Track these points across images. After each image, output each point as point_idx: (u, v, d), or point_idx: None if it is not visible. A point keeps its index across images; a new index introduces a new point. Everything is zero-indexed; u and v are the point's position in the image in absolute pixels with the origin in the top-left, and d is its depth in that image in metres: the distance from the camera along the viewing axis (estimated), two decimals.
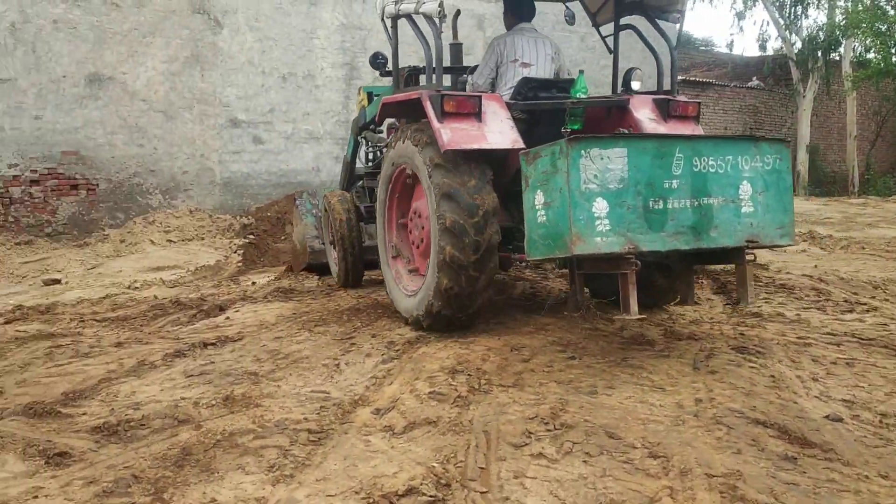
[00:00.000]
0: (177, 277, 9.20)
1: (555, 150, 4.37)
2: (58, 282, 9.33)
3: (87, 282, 9.13)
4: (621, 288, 4.45)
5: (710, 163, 4.57)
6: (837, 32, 22.25)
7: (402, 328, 5.56)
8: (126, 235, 11.65)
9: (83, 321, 6.31)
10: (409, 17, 5.69)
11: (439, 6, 5.27)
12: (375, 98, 7.23)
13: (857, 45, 22.68)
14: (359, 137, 7.78)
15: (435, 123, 5.09)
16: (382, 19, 6.08)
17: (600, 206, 4.30)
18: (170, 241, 11.72)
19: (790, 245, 5.05)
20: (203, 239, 11.96)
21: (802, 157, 23.28)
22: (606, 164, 4.30)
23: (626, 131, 5.73)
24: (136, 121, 13.18)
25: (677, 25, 6.72)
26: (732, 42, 49.42)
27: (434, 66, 5.44)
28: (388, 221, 6.09)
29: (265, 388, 4.37)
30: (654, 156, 4.43)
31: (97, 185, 12.85)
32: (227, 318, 6.11)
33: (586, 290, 5.81)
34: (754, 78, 24.66)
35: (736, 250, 4.72)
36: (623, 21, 6.54)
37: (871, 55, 21.94)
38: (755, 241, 4.68)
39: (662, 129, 5.71)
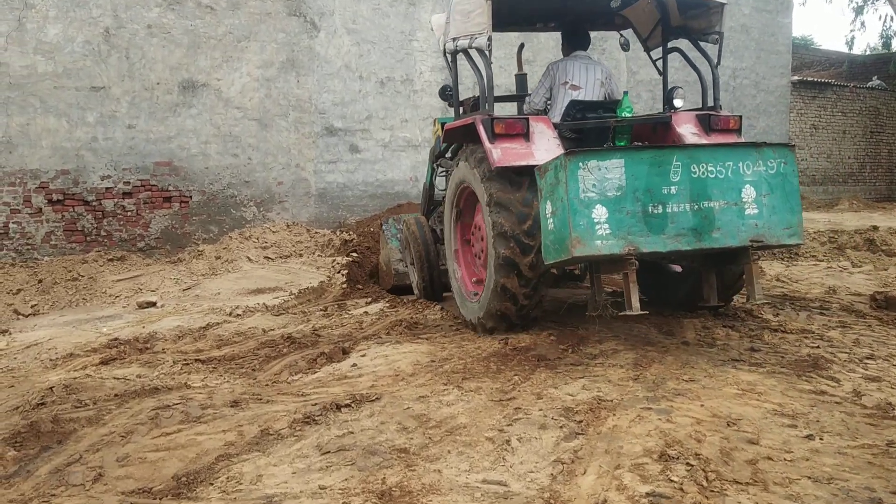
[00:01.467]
0: (280, 302, 8.38)
1: (556, 163, 4.86)
2: (153, 304, 8.64)
3: (184, 305, 8.40)
4: (624, 287, 4.93)
5: (710, 169, 4.93)
6: None
7: (570, 386, 4.55)
8: (221, 251, 10.95)
9: (187, 363, 5.50)
10: (465, 51, 6.29)
11: (488, 40, 5.87)
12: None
13: None
14: (435, 165, 8.24)
15: (487, 144, 5.68)
16: (444, 55, 6.67)
17: (600, 212, 4.73)
18: (267, 258, 10.97)
19: (799, 244, 5.45)
20: (301, 255, 11.18)
21: None
22: (604, 174, 4.74)
23: (640, 144, 6.32)
24: (230, 129, 12.54)
25: (717, 46, 6.78)
26: (853, 38, 46.58)
27: (486, 93, 6.04)
28: (454, 231, 6.73)
29: (424, 475, 3.42)
30: (651, 164, 4.83)
31: (190, 196, 12.24)
32: (354, 364, 5.20)
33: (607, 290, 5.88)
34: (875, 77, 22.82)
35: (742, 250, 5.04)
36: (670, 44, 7.07)
37: None
38: (760, 240, 4.99)
39: (704, 142, 6.01)
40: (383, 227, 9.10)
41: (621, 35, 7.14)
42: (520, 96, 7.65)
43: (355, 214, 13.73)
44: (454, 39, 6.30)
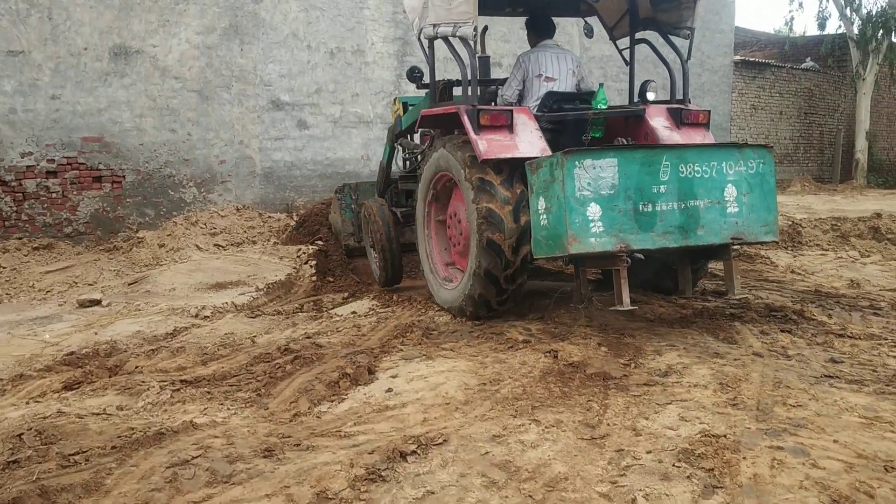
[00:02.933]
0: (249, 300, 7.40)
1: (552, 161, 4.96)
2: (97, 302, 7.52)
3: (137, 304, 7.31)
4: (614, 282, 5.03)
5: (696, 168, 5.11)
6: None
7: (663, 416, 3.86)
8: (165, 239, 9.79)
9: (175, 387, 4.53)
10: (445, 38, 6.13)
11: (474, 30, 5.85)
12: (411, 108, 7.88)
13: None
14: (395, 144, 8.30)
15: (472, 135, 5.73)
16: (419, 39, 6.49)
17: (594, 210, 4.87)
18: (218, 245, 9.88)
19: (774, 241, 5.59)
20: (255, 243, 10.13)
21: (862, 144, 21.66)
22: (599, 172, 4.88)
23: (624, 140, 6.40)
24: (167, 102, 11.29)
25: (688, 41, 6.80)
26: (792, 20, 47.24)
27: (469, 82, 6.00)
28: (427, 216, 6.75)
29: None
30: (643, 164, 5.00)
31: (123, 176, 10.96)
32: (390, 389, 4.35)
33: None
34: (808, 59, 22.94)
35: (723, 247, 5.27)
36: (638, 35, 7.17)
37: None
38: (740, 238, 5.23)
39: (676, 135, 6.24)
40: (338, 195, 9.31)
41: (585, 21, 7.25)
42: (485, 81, 7.44)
43: (303, 196, 12.69)
44: (434, 25, 6.13)
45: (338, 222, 9.52)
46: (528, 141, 5.84)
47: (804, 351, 4.88)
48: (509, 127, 5.85)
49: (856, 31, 21.48)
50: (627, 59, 7.49)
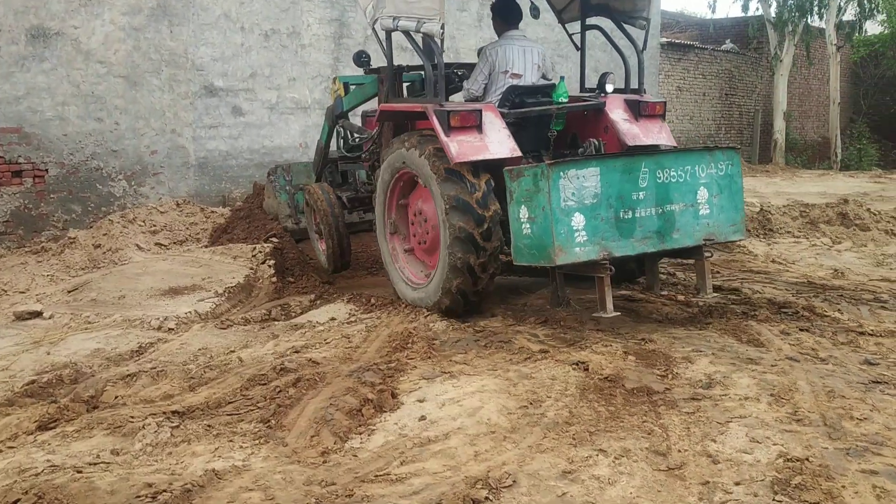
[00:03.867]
0: (211, 307, 6.81)
1: (537, 172, 4.96)
2: (38, 314, 6.78)
3: (85, 316, 6.62)
4: (598, 290, 5.10)
5: (672, 174, 5.21)
6: None
7: (730, 437, 3.62)
8: (101, 238, 9.00)
9: (174, 424, 4.00)
10: (406, 33, 5.87)
11: (441, 27, 5.69)
12: (354, 88, 7.93)
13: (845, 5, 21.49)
14: (335, 125, 8.18)
15: (443, 137, 5.58)
16: (374, 30, 6.16)
17: (578, 220, 4.92)
18: (160, 244, 9.16)
19: (741, 239, 6.00)
20: (199, 240, 9.45)
21: (780, 124, 22.18)
22: (582, 182, 4.91)
23: (596, 142, 6.28)
24: (92, 88, 10.40)
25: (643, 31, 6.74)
26: (715, 2, 47.88)
27: (437, 81, 5.81)
28: (389, 201, 6.53)
29: None
30: (623, 171, 5.06)
31: (46, 170, 10.05)
32: (423, 417, 3.93)
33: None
34: (728, 41, 23.34)
35: (696, 248, 5.39)
36: (590, 21, 7.09)
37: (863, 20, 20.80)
38: (712, 238, 5.38)
39: (636, 128, 6.27)
40: (270, 178, 9.18)
41: (531, 1, 6.97)
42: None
43: (240, 187, 11.98)
44: (394, 18, 5.84)
45: (274, 206, 9.37)
46: (497, 141, 5.74)
47: (834, 353, 4.73)
48: (479, 127, 5.71)
49: (773, 13, 21.92)
50: (578, 44, 7.36)
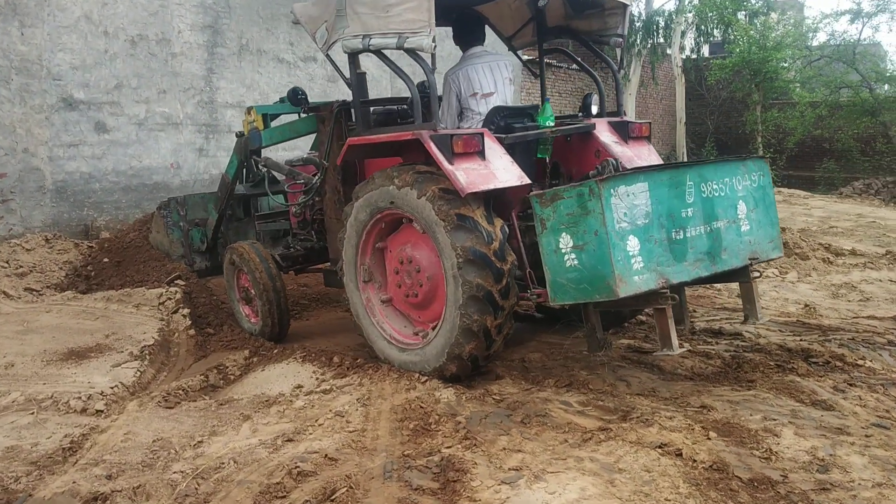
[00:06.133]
0: (135, 374, 5.58)
1: (582, 191, 4.29)
2: None
3: None
4: (659, 324, 4.52)
5: (715, 187, 4.69)
6: (662, 18, 21.98)
7: None
8: None
9: None
10: (378, 52, 5.29)
11: (433, 40, 4.95)
12: (278, 124, 7.14)
13: (689, 28, 22.42)
14: (247, 160, 7.14)
15: (447, 166, 4.87)
16: (328, 54, 5.60)
17: (633, 243, 4.28)
18: (31, 290, 7.61)
19: (780, 257, 5.38)
20: (77, 284, 7.96)
21: None
22: (633, 200, 4.30)
23: (613, 161, 5.66)
24: None
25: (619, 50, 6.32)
26: None
27: (428, 102, 5.26)
28: (364, 245, 5.64)
29: None
30: (670, 186, 4.48)
31: None
32: None
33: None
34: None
35: (742, 269, 4.87)
36: (550, 45, 6.71)
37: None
38: (756, 257, 4.87)
39: (628, 150, 5.83)
40: (162, 211, 8.18)
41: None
42: (375, 101, 6.62)
43: (105, 214, 10.45)
44: (364, 37, 5.22)
45: (164, 243, 8.33)
46: (502, 167, 5.10)
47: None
48: (481, 153, 5.05)
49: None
50: (536, 71, 6.96)
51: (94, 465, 4.14)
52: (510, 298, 4.90)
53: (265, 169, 7.16)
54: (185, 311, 6.85)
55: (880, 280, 7.76)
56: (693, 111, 24.31)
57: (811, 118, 19.77)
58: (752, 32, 19.66)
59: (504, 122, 5.63)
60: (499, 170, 5.06)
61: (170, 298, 6.99)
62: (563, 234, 4.40)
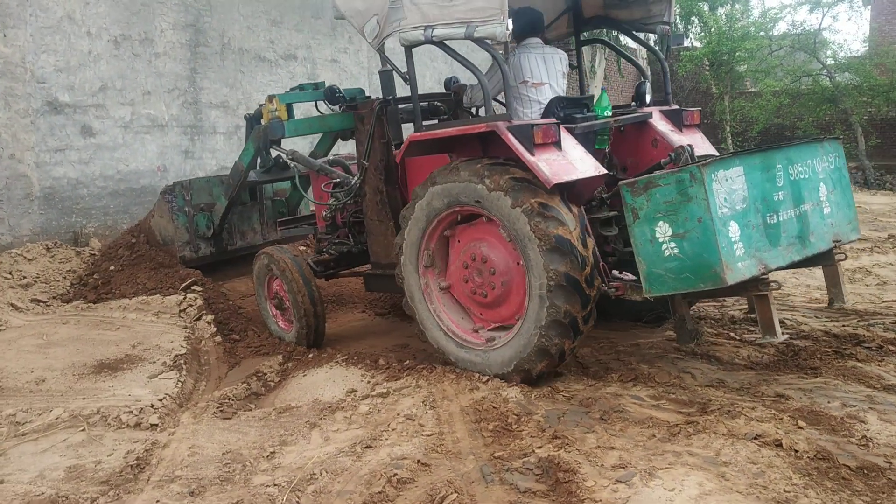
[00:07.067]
0: (176, 385, 5.40)
1: (682, 177, 4.20)
2: None
3: (6, 414, 4.95)
4: (761, 311, 4.42)
5: (800, 169, 4.67)
6: None
7: None
8: None
9: None
10: (440, 43, 5.08)
11: (508, 28, 4.79)
12: (316, 117, 6.94)
13: None
14: (265, 149, 6.93)
15: (528, 157, 4.75)
16: (381, 48, 5.45)
17: (734, 229, 4.20)
18: (38, 301, 7.32)
19: (859, 238, 5.29)
20: (86, 294, 7.68)
21: None
22: (731, 185, 4.24)
23: (689, 147, 5.22)
24: None
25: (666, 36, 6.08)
26: None
27: (506, 94, 5.05)
28: (433, 230, 5.42)
29: None
30: (762, 170, 4.45)
31: None
32: None
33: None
34: None
35: (826, 253, 4.81)
36: (588, 35, 6.67)
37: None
38: (839, 239, 4.84)
39: (685, 139, 5.70)
40: (167, 196, 8.01)
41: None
42: (434, 95, 6.65)
43: (94, 220, 10.10)
44: (425, 28, 5.04)
45: (168, 229, 8.08)
46: (578, 158, 4.98)
47: None
48: (558, 144, 4.92)
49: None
50: (574, 62, 6.63)
51: (169, 481, 3.99)
52: (594, 287, 4.78)
53: (292, 163, 6.90)
54: (209, 317, 6.66)
55: (891, 263, 7.92)
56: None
57: (773, 106, 20.10)
58: (721, 23, 19.91)
59: (563, 112, 5.47)
60: (576, 160, 4.94)
61: (190, 305, 6.81)
62: (660, 222, 4.29)
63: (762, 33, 20.52)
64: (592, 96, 5.83)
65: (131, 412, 4.85)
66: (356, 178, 6.20)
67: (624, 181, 4.52)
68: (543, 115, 5.42)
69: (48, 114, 9.59)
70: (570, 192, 4.97)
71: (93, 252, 8.59)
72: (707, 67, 21.06)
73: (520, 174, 4.83)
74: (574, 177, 4.81)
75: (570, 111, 5.51)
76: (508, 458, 3.91)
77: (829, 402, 4.35)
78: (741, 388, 4.67)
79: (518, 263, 4.96)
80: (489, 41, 4.95)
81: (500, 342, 5.05)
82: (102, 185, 10.26)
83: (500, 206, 4.83)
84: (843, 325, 5.79)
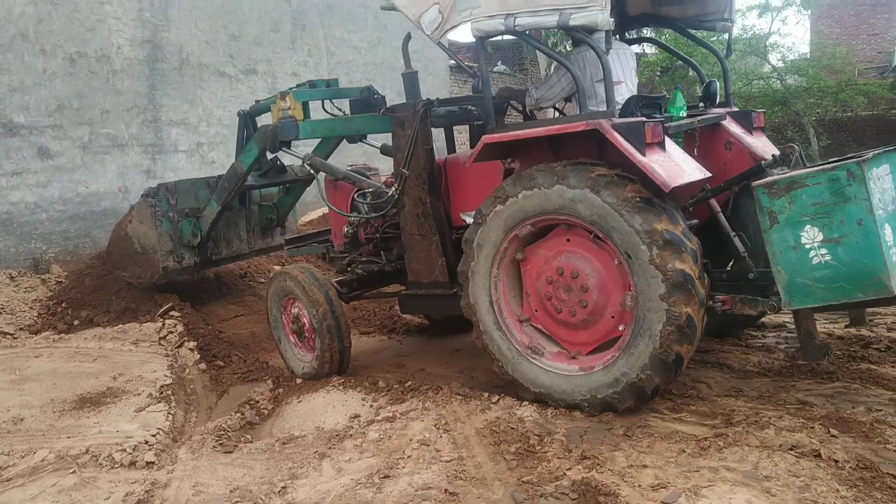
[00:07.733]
0: (167, 419, 5.11)
1: (837, 175, 3.81)
2: None
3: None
4: None
5: None
6: None
7: None
8: None
9: None
10: (522, 34, 4.68)
11: (610, 15, 4.34)
12: (341, 119, 6.51)
13: None
14: (274, 151, 6.33)
15: (640, 158, 4.30)
16: (440, 41, 5.09)
17: (888, 232, 3.78)
18: (4, 333, 6.93)
19: None
20: (55, 325, 7.30)
21: None
22: (882, 184, 3.86)
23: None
24: None
25: (726, 35, 5.92)
26: None
27: (607, 88, 4.57)
28: (502, 257, 4.93)
29: None
30: None
31: None
32: None
33: None
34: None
35: None
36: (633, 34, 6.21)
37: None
38: None
39: (758, 142, 5.48)
40: (149, 200, 7.28)
41: None
42: (453, 101, 6.10)
43: (54, 245, 9.67)
44: (506, 16, 4.56)
45: (149, 237, 7.30)
46: (682, 160, 4.60)
47: None
48: (661, 144, 4.49)
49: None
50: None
51: None
52: (706, 284, 4.39)
53: (311, 170, 6.12)
54: (191, 344, 6.37)
55: None
56: None
57: None
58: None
59: (641, 112, 4.98)
60: (681, 162, 4.55)
61: (170, 332, 6.50)
62: (808, 226, 3.92)
63: (714, 38, 20.78)
64: (664, 95, 5.49)
65: (124, 450, 4.55)
66: (393, 188, 5.72)
67: (758, 181, 4.16)
68: (621, 116, 4.79)
69: (3, 136, 9.18)
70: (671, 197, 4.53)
71: (59, 280, 8.17)
72: (658, 74, 21.28)
73: (645, 193, 4.35)
74: (686, 180, 4.43)
75: (646, 111, 5.08)
76: (539, 483, 3.74)
77: (853, 408, 4.28)
78: (761, 397, 4.58)
79: (618, 275, 4.55)
80: (587, 31, 4.46)
81: (608, 359, 4.56)
82: (62, 209, 9.84)
83: (619, 226, 4.35)
84: (845, 327, 5.75)
